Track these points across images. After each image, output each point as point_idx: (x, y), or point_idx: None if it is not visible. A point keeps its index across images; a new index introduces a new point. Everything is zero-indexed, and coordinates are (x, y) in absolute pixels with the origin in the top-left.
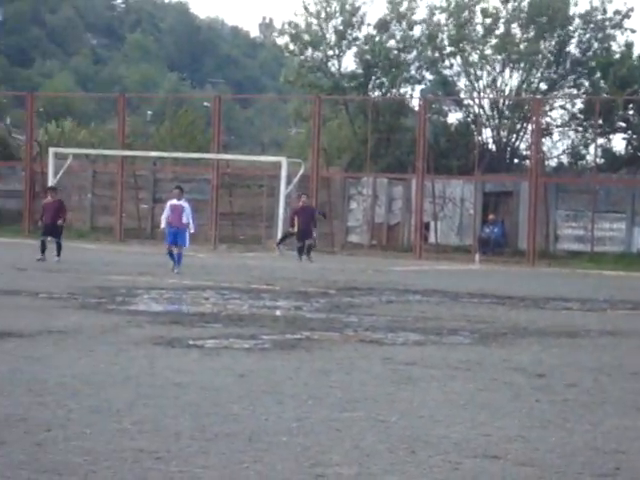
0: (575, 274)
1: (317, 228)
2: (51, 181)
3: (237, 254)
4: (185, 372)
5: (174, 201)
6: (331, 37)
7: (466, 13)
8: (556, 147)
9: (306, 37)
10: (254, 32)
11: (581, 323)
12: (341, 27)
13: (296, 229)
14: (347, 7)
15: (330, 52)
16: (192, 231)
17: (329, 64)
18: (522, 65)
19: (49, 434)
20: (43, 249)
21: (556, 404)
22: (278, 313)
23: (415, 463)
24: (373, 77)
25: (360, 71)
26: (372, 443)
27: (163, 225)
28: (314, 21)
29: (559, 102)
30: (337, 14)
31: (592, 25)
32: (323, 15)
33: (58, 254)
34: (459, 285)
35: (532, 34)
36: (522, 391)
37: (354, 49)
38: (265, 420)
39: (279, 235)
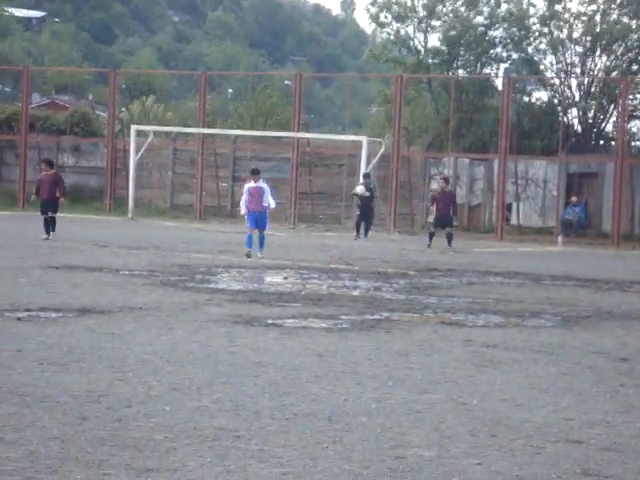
0: None
1: (458, 216)
2: (133, 158)
3: (316, 233)
4: (264, 351)
5: (252, 183)
6: (420, 11)
7: None
8: None
9: (396, 8)
10: (336, 10)
11: None
12: (428, 2)
13: (435, 214)
14: None
15: (417, 24)
16: (273, 207)
17: (415, 40)
18: (612, 47)
19: (130, 410)
20: (47, 228)
21: None
22: (357, 293)
23: (496, 447)
24: (458, 55)
25: (444, 48)
26: (452, 425)
27: (243, 211)
28: None
29: None
30: None
31: None
32: None
33: (52, 229)
34: (541, 267)
35: (625, 16)
36: (606, 375)
37: (440, 26)
38: (344, 400)
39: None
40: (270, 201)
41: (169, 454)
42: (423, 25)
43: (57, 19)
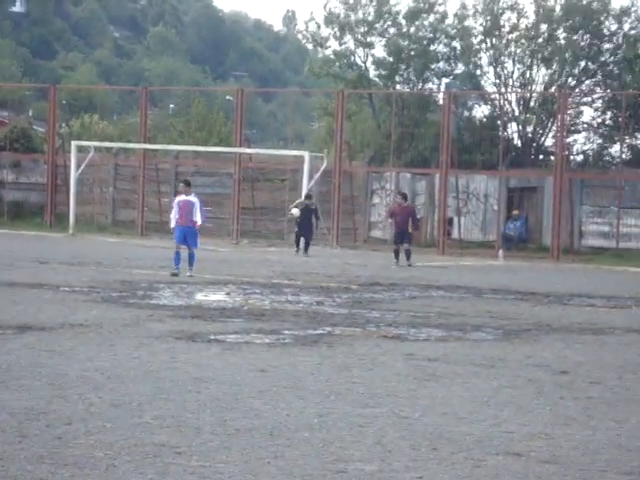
0: (600, 270)
1: (420, 230)
2: (73, 174)
3: (259, 249)
4: (206, 367)
5: (182, 197)
6: (360, 27)
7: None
8: (581, 143)
9: (334, 26)
10: (277, 26)
11: (606, 320)
12: (369, 18)
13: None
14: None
15: (360, 37)
16: (199, 223)
17: (356, 54)
18: (551, 61)
19: (70, 428)
20: None
21: (580, 401)
22: (300, 308)
23: (437, 460)
24: (399, 69)
25: (390, 58)
26: (394, 439)
27: (172, 225)
28: (342, 9)
29: (585, 98)
30: (367, 4)
31: (627, 20)
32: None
33: None
34: (482, 281)
35: (562, 31)
36: (546, 388)
37: (382, 40)
38: (286, 415)
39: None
40: (197, 216)
41: (110, 471)
42: (363, 40)
43: None
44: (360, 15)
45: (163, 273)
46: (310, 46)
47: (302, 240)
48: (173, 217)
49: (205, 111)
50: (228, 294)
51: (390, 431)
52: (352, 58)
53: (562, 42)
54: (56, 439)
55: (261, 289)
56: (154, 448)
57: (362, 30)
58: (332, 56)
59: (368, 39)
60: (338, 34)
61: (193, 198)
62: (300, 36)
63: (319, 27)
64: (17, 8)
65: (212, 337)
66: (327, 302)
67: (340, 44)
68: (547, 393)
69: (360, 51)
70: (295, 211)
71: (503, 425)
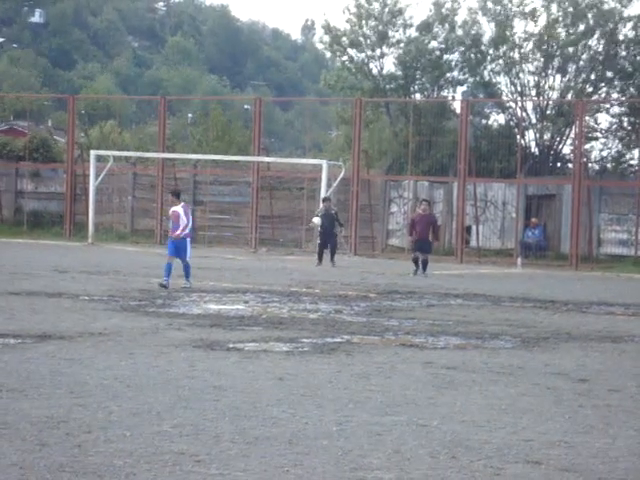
0: (618, 278)
1: (440, 240)
2: (92, 183)
3: (277, 257)
4: (225, 375)
5: (172, 208)
6: (372, 38)
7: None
8: (600, 150)
9: (345, 39)
10: (295, 35)
11: (624, 328)
12: (380, 28)
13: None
14: (388, 8)
15: (370, 52)
16: (177, 233)
17: (370, 65)
18: (566, 67)
19: (90, 436)
20: None
21: (599, 409)
22: (318, 316)
23: (456, 468)
24: (414, 79)
25: (399, 73)
26: (413, 447)
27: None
28: (354, 21)
29: (603, 105)
30: (378, 15)
31: None
32: (363, 14)
33: None
34: (501, 289)
35: (574, 35)
36: (564, 396)
37: (395, 51)
38: (305, 424)
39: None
40: (180, 227)
41: (129, 479)
42: (376, 52)
43: (15, 45)
44: (372, 25)
45: (183, 281)
46: (329, 54)
47: (327, 250)
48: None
49: (224, 120)
50: (246, 302)
51: (409, 439)
52: (366, 68)
53: (578, 48)
54: (76, 447)
55: (279, 297)
56: (173, 456)
57: (373, 42)
58: (347, 66)
59: (378, 51)
60: (349, 46)
61: (179, 208)
62: (319, 44)
63: (333, 37)
64: (36, 19)
65: (231, 345)
66: (345, 310)
67: (352, 57)
68: (566, 401)
69: (374, 62)
70: (316, 219)
71: (522, 433)
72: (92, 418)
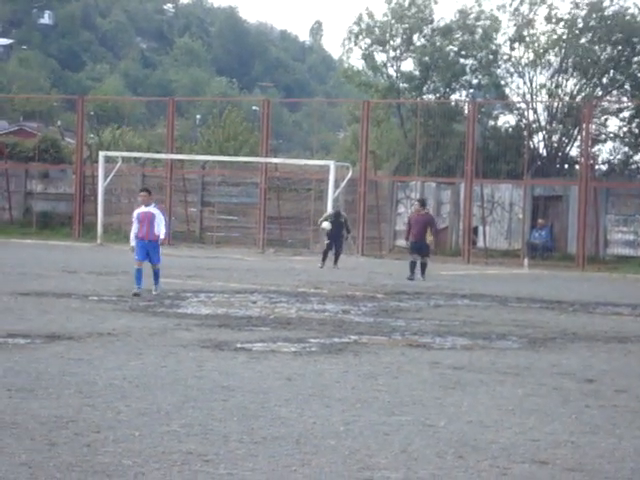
0: (625, 279)
1: (438, 238)
2: (101, 184)
3: (285, 258)
4: (233, 375)
5: (142, 208)
6: (397, 40)
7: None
8: (607, 152)
9: (377, 32)
10: (303, 36)
11: (631, 328)
12: (409, 32)
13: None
14: (420, 15)
15: (393, 53)
16: (162, 237)
17: (388, 65)
18: (578, 70)
19: (98, 436)
20: None
21: (606, 410)
22: (325, 317)
23: (463, 468)
24: (429, 80)
25: (417, 73)
26: (420, 447)
27: (132, 243)
28: (387, 20)
29: (611, 107)
30: (411, 19)
31: None
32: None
33: None
34: (507, 290)
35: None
36: (571, 396)
37: (413, 53)
38: (313, 423)
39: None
40: (161, 229)
41: (138, 479)
42: (398, 52)
43: (24, 46)
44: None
45: (190, 282)
46: (337, 54)
47: (332, 252)
48: (133, 233)
49: (240, 120)
50: (254, 303)
51: (416, 439)
52: (384, 68)
53: (590, 52)
54: (85, 447)
55: (287, 298)
56: (182, 456)
57: (399, 42)
58: (363, 64)
59: (400, 53)
60: (376, 43)
61: (154, 209)
62: (327, 46)
63: (360, 32)
64: (45, 20)
65: (239, 345)
66: (353, 311)
67: (371, 53)
68: (572, 401)
69: (394, 62)
70: (326, 224)
71: (529, 433)
72: (101, 418)
